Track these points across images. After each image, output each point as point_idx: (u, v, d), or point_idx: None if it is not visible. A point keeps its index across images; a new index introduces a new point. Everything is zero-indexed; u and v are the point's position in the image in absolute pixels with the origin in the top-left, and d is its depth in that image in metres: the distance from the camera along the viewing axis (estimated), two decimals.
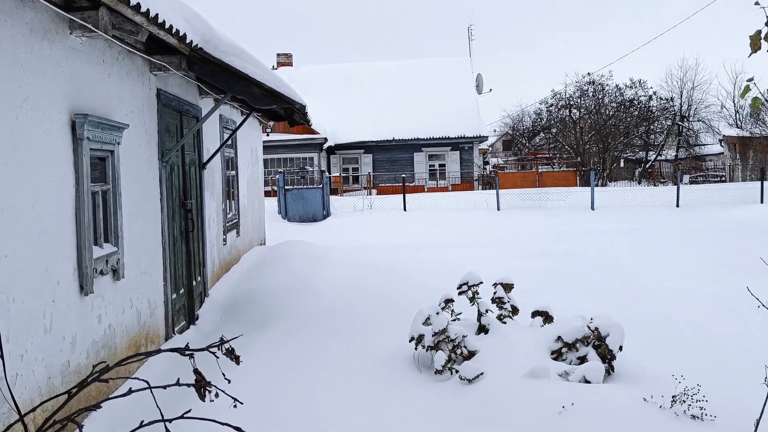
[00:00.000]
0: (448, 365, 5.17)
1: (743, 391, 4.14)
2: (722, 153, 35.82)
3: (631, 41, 75.18)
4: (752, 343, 5.01)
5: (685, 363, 5.14)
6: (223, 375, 2.47)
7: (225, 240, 9.54)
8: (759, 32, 1.92)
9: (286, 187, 20.75)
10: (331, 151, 32.61)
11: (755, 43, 1.93)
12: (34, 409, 2.28)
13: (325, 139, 30.81)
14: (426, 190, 30.75)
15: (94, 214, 4.56)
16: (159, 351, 2.33)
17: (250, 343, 6.10)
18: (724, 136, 32.95)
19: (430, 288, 8.21)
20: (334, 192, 28.15)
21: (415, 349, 5.54)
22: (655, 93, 38.18)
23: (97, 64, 4.68)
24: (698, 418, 3.79)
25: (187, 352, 2.32)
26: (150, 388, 2.28)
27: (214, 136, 8.75)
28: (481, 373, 4.87)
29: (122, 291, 5.10)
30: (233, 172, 10.36)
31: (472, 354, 5.27)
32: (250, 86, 5.98)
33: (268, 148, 24.62)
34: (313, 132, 29.26)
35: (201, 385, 2.19)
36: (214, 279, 8.73)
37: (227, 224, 9.74)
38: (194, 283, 7.49)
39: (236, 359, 2.45)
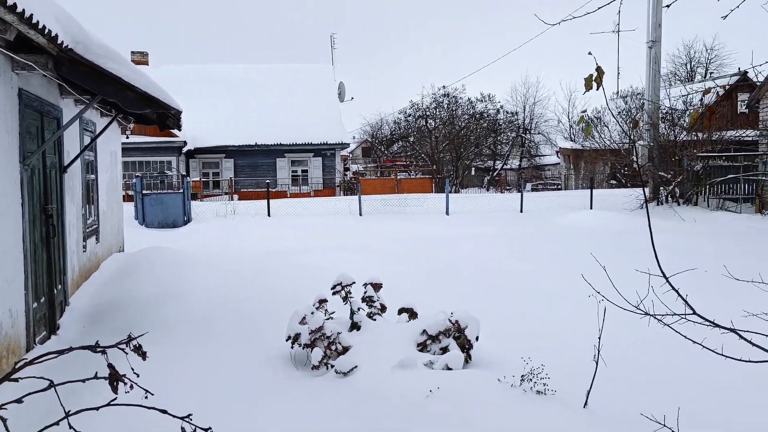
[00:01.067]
0: (324, 361, 5.50)
1: (578, 368, 4.89)
2: (559, 163, 39.53)
3: (483, 57, 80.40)
4: (585, 327, 5.83)
5: (531, 348, 5.88)
6: (132, 370, 2.62)
7: (85, 247, 9.15)
8: (591, 76, 2.47)
9: (144, 192, 19.94)
10: (190, 155, 31.66)
11: (588, 84, 2.48)
12: None
13: (185, 143, 29.88)
14: (289, 195, 30.85)
15: None
16: (71, 349, 2.45)
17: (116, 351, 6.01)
18: (560, 148, 36.42)
19: (302, 291, 8.48)
20: (193, 197, 27.35)
21: (292, 347, 5.82)
22: (502, 107, 41.29)
23: None
24: (542, 393, 4.44)
25: (98, 349, 2.48)
26: (55, 385, 2.39)
27: (74, 139, 8.40)
28: (355, 366, 5.26)
29: None
30: (93, 176, 9.95)
31: (346, 349, 5.64)
32: (123, 90, 5.92)
33: (124, 150, 23.42)
34: (172, 135, 28.27)
35: (116, 378, 2.35)
36: (74, 287, 8.37)
37: (87, 230, 9.35)
38: (55, 291, 7.18)
39: (143, 355, 2.64)
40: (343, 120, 35.46)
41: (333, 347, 5.64)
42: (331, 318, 6.31)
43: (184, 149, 30.22)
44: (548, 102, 67.04)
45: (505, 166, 43.17)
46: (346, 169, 41.53)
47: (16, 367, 2.21)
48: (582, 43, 40.70)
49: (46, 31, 4.72)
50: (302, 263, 11.67)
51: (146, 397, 2.46)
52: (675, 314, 2.43)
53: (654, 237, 2.81)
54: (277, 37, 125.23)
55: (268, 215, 20.82)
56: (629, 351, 5.64)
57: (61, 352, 2.43)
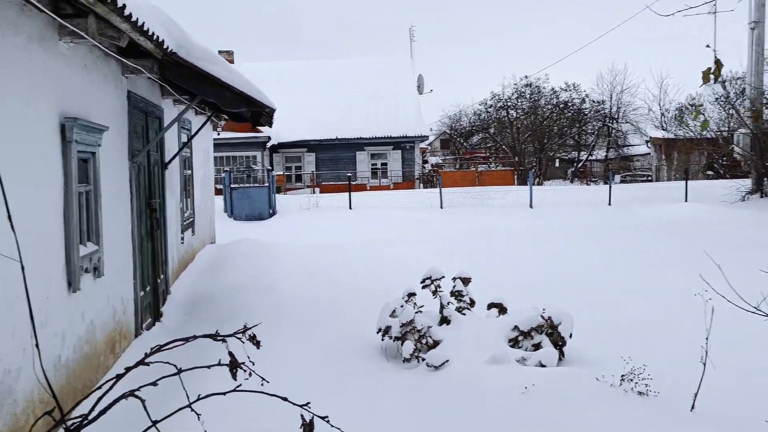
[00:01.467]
0: (415, 354, 5.56)
1: (682, 370, 4.70)
2: (649, 154, 37.86)
3: (567, 46, 78.13)
4: (688, 327, 5.59)
5: (627, 347, 5.69)
6: (248, 358, 2.75)
7: (182, 239, 9.63)
8: (709, 69, 2.38)
9: (233, 186, 20.70)
10: (274, 149, 32.55)
11: (706, 77, 2.39)
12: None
13: (268, 138, 30.76)
14: (368, 188, 31.15)
15: (79, 213, 4.70)
16: (195, 337, 2.60)
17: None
18: (650, 137, 34.85)
19: (387, 283, 8.59)
20: (277, 190, 28.15)
21: (382, 340, 5.90)
22: (587, 95, 39.95)
23: (81, 68, 4.81)
24: (644, 394, 4.31)
25: (219, 338, 2.61)
26: (180, 371, 2.55)
27: (173, 136, 8.84)
28: (447, 360, 5.28)
29: (102, 288, 5.24)
30: (189, 172, 10.43)
31: (436, 343, 5.67)
32: (222, 90, 6.17)
33: (213, 146, 24.40)
34: (257, 130, 29.16)
35: (235, 365, 2.48)
36: (174, 277, 8.83)
37: (184, 223, 9.82)
38: (159, 281, 7.61)
39: (257, 344, 2.76)
40: (422, 112, 35.45)
41: (423, 341, 5.68)
42: (420, 311, 6.35)
43: (268, 144, 31.12)
44: (637, 89, 64.15)
45: (590, 157, 41.81)
46: (425, 162, 41.50)
47: (150, 351, 2.38)
48: (674, 25, 38.66)
49: (155, 37, 4.99)
50: (386, 256, 11.79)
51: (262, 385, 2.59)
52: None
53: (758, 231, 2.65)
54: (355, 33, 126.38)
55: (350, 208, 21.13)
56: (739, 352, 5.36)
57: (186, 340, 2.58)
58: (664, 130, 33.17)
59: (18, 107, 3.63)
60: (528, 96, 38.99)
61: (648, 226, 14.71)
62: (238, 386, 2.35)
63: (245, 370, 2.47)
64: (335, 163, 33.39)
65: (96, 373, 5.01)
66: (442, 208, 20.71)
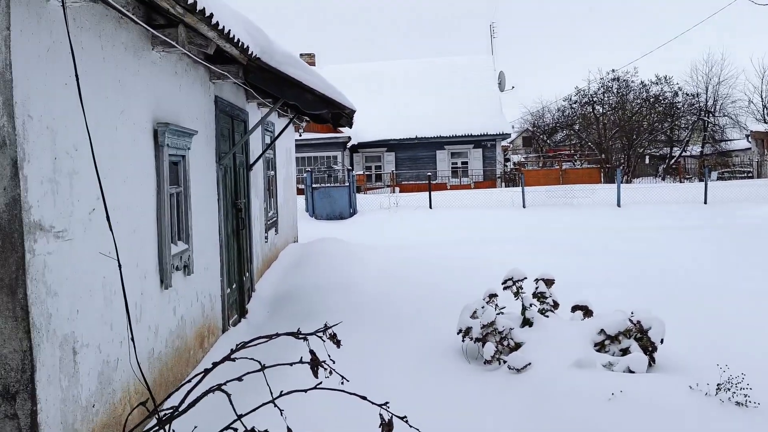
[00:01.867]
0: (497, 356, 5.47)
1: None
2: (749, 149, 35.55)
3: (656, 38, 74.55)
4: None
5: (726, 354, 5.37)
6: (329, 356, 2.80)
7: (266, 238, 9.92)
8: None
9: (314, 186, 21.14)
10: (354, 149, 32.97)
11: None
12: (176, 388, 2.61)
13: (349, 138, 31.19)
14: (449, 187, 30.97)
15: (170, 214, 4.93)
16: (278, 335, 2.67)
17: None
18: (751, 131, 32.71)
19: (467, 283, 8.51)
20: (357, 190, 28.52)
21: (463, 341, 5.85)
22: (680, 89, 38.00)
23: (172, 75, 5.04)
24: (743, 405, 4.04)
25: (300, 336, 2.67)
26: (264, 368, 2.62)
27: (257, 138, 9.13)
28: (529, 363, 5.16)
29: (191, 285, 5.48)
30: (272, 172, 10.73)
31: (518, 345, 5.56)
32: (303, 93, 6.31)
33: (295, 147, 25.02)
34: (337, 131, 29.65)
35: (316, 363, 2.52)
36: (258, 275, 9.11)
37: (268, 222, 10.11)
38: (244, 278, 7.87)
39: (338, 343, 2.80)
40: (504, 110, 34.88)
41: (505, 343, 5.58)
42: (502, 313, 6.24)
43: (349, 144, 31.56)
44: (736, 81, 60.19)
45: (683, 153, 39.73)
46: (507, 160, 40.78)
47: (236, 347, 2.46)
48: None
49: (240, 43, 5.16)
50: (466, 256, 11.68)
51: (342, 383, 2.62)
52: None
53: None
54: (436, 31, 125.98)
55: (430, 207, 21.09)
56: None
57: (269, 337, 2.66)
58: (766, 123, 31.05)
59: (114, 114, 3.84)
60: (615, 90, 37.54)
61: (747, 225, 13.82)
62: (318, 384, 2.39)
63: (326, 368, 2.51)
64: (415, 162, 33.42)
65: (186, 367, 5.24)
66: (524, 207, 20.31)
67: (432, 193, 22.07)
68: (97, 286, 3.56)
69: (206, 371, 2.56)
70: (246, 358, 2.60)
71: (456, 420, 4.31)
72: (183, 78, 5.34)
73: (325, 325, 2.79)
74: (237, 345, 2.45)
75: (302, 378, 2.76)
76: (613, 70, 37.75)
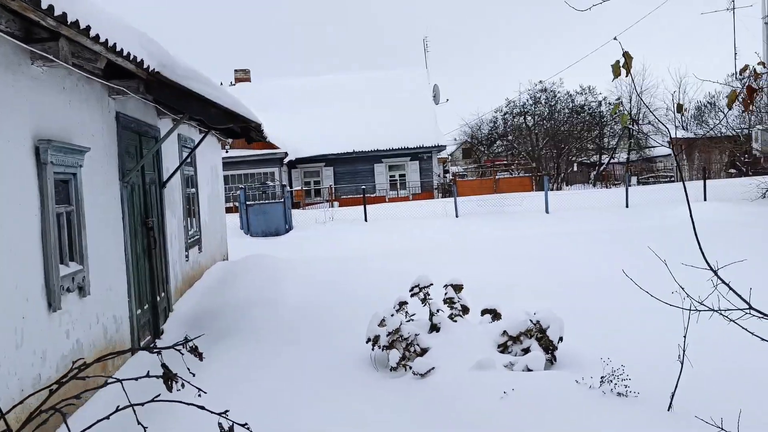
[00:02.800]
0: (402, 362, 5.52)
1: (664, 370, 4.58)
2: (670, 154, 37.21)
3: (580, 49, 77.36)
4: (677, 329, 5.46)
5: (621, 350, 5.58)
6: (188, 369, 2.78)
7: (187, 256, 9.73)
8: (618, 62, 2.33)
9: (248, 203, 20.90)
10: (292, 165, 32.81)
11: (616, 71, 2.34)
12: (13, 407, 2.53)
13: (286, 154, 31.03)
14: (387, 200, 31.18)
15: (59, 234, 4.79)
16: (133, 349, 2.63)
17: (214, 351, 6.34)
18: (671, 137, 34.28)
19: (391, 293, 8.57)
20: (296, 206, 28.33)
21: (372, 349, 5.88)
22: (605, 98, 39.52)
23: (58, 91, 4.92)
24: (623, 395, 4.21)
25: (155, 350, 2.63)
26: (122, 380, 2.58)
27: (173, 156, 8.97)
28: (433, 368, 5.23)
29: (88, 307, 5.32)
30: (193, 190, 10.56)
31: (424, 351, 5.63)
32: (207, 107, 6.26)
33: (228, 164, 24.71)
34: (273, 147, 29.47)
35: (168, 377, 2.49)
36: (177, 294, 8.92)
37: (189, 241, 9.93)
38: (158, 298, 7.69)
39: (199, 356, 2.77)
40: (440, 122, 35.45)
41: (411, 349, 5.64)
42: (412, 320, 6.32)
43: (286, 160, 31.38)
44: (656, 90, 63.07)
45: (612, 160, 41.25)
46: (446, 172, 41.40)
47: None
48: (693, 25, 38.09)
49: (131, 57, 5.09)
50: (394, 267, 11.75)
51: (199, 395, 2.59)
52: (737, 309, 2.23)
53: None
54: (370, 46, 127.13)
55: (365, 220, 21.16)
56: (717, 352, 5.22)
57: (121, 353, 2.62)
58: (684, 129, 32.65)
59: None
60: (543, 101, 38.72)
61: (662, 226, 14.43)
62: (156, 397, 2.36)
63: (177, 382, 2.48)
64: (353, 177, 33.50)
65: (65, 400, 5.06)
66: (457, 216, 20.63)
67: (370, 206, 22.16)
68: None
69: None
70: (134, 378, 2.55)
71: (353, 428, 4.32)
72: (73, 94, 5.22)
73: (185, 338, 2.76)
74: (74, 363, 2.40)
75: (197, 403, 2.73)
76: (540, 81, 38.97)
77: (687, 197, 2.69)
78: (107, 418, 2.30)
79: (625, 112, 2.46)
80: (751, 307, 2.14)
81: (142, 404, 2.31)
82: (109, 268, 5.95)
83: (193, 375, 2.67)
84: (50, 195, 4.53)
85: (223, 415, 2.19)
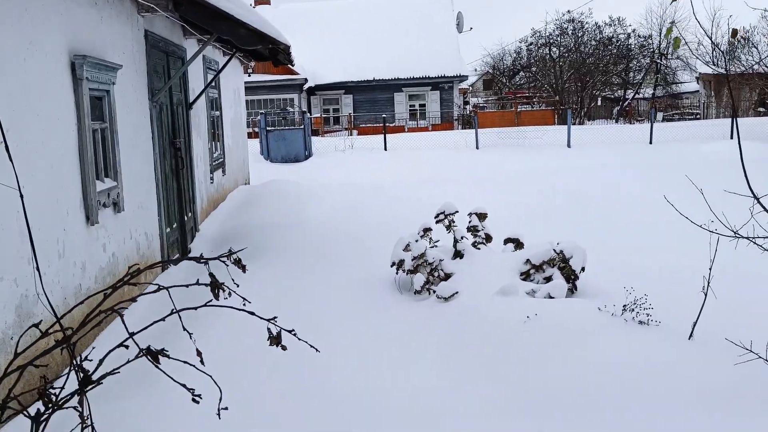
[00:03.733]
0: (426, 286, 5.66)
1: (688, 301, 4.66)
2: (698, 91, 36.25)
3: None
4: (705, 261, 5.52)
5: (646, 281, 5.65)
6: (232, 280, 2.89)
7: (212, 178, 9.85)
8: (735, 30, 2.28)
9: (268, 129, 20.87)
10: (312, 92, 32.46)
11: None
12: (70, 310, 2.68)
13: (305, 80, 30.64)
14: (406, 130, 30.92)
15: (95, 150, 4.87)
16: (180, 258, 2.73)
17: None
18: (700, 73, 33.30)
19: (411, 221, 8.66)
20: (315, 133, 28.21)
21: (396, 273, 6.02)
22: (634, 31, 38.19)
23: (91, 6, 4.88)
24: (645, 323, 4.32)
25: (202, 260, 2.74)
26: (170, 287, 2.70)
27: (198, 77, 8.93)
28: (456, 292, 5.36)
29: (123, 223, 5.47)
30: (218, 113, 10.56)
31: (448, 276, 5.76)
32: (236, 27, 6.19)
33: (248, 89, 24.46)
34: (293, 72, 29.08)
35: (216, 285, 2.61)
36: (203, 215, 9.10)
37: (214, 163, 10.03)
38: (186, 218, 7.85)
39: (243, 267, 2.87)
40: (462, 51, 34.54)
41: (435, 274, 5.77)
42: (436, 246, 6.42)
43: (306, 86, 31.02)
44: (688, 23, 60.67)
45: (637, 96, 40.28)
46: (466, 103, 40.74)
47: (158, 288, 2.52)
48: None
49: None
50: (415, 195, 11.83)
51: (244, 304, 2.72)
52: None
53: None
54: None
55: (385, 149, 21.11)
56: (743, 284, 5.29)
57: (175, 262, 2.73)
58: (714, 65, 31.62)
59: (21, 44, 3.74)
60: (570, 32, 37.52)
61: (685, 163, 14.25)
62: (209, 302, 2.48)
63: (224, 290, 2.60)
64: (373, 105, 33.13)
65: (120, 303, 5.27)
66: (477, 148, 20.49)
67: (388, 135, 22.03)
68: (10, 220, 3.54)
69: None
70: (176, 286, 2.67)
71: (380, 344, 4.50)
72: (104, 10, 5.18)
73: (230, 250, 2.86)
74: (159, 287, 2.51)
75: (234, 313, 2.86)
76: (568, 11, 37.65)
77: (736, 124, 2.67)
78: (163, 320, 2.42)
79: (679, 35, 2.41)
80: None
81: (196, 308, 2.44)
82: (141, 186, 6.07)
83: (237, 285, 2.78)
84: (86, 111, 4.59)
85: (272, 321, 2.31)
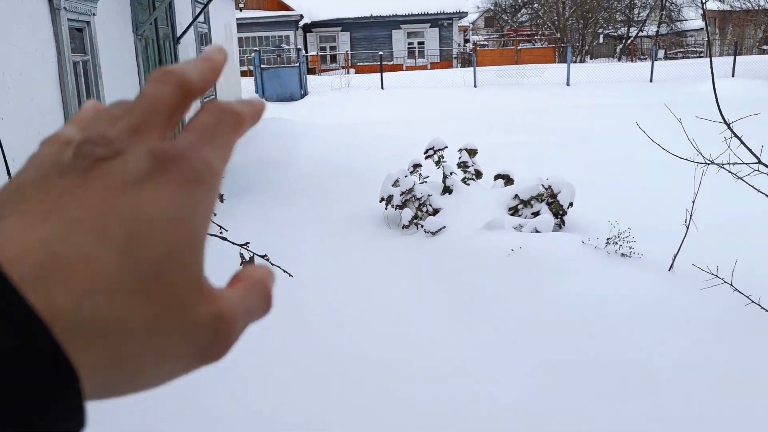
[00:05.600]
0: (414, 221, 5.70)
1: (670, 234, 4.70)
2: (702, 29, 35.44)
3: None
4: (688, 195, 5.55)
5: (631, 216, 5.68)
6: (214, 214, 2.91)
7: None
8: None
9: (263, 66, 20.52)
10: (308, 29, 31.73)
11: None
12: None
13: (301, 16, 29.90)
14: (405, 68, 30.40)
15: (77, 82, 4.80)
16: None
17: (235, 203, 6.56)
18: (705, 10, 32.49)
19: (404, 158, 8.65)
20: (311, 72, 27.76)
21: (385, 208, 6.05)
22: None
23: None
24: (627, 255, 4.37)
25: None
26: None
27: (186, 10, 8.72)
28: (444, 227, 5.40)
29: None
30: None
31: (436, 211, 5.79)
32: None
33: (241, 26, 23.95)
34: (288, 8, 28.38)
35: None
36: None
37: (204, 100, 9.89)
38: None
39: (220, 197, 2.89)
40: None
41: (424, 209, 5.79)
42: (425, 182, 6.42)
43: (301, 23, 30.31)
44: None
45: (640, 33, 39.37)
46: (467, 41, 39.92)
47: None
48: None
49: None
50: (408, 133, 11.76)
51: (221, 232, 2.74)
52: (744, 163, 2.25)
53: None
54: None
55: (381, 88, 20.83)
56: (724, 215, 5.33)
57: None
58: (720, 1, 30.83)
59: None
60: None
61: (683, 101, 14.09)
62: None
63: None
64: (371, 43, 32.44)
65: None
66: (475, 87, 20.20)
67: (387, 73, 21.70)
68: None
69: None
70: None
71: (365, 274, 4.57)
72: None
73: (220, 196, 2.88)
74: None
75: (213, 243, 2.89)
76: None
77: (713, 76, 2.62)
78: None
79: None
80: (760, 161, 2.17)
81: None
82: None
83: (215, 214, 2.81)
84: (66, 42, 4.50)
85: (244, 247, 2.34)
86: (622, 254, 4.36)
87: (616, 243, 4.43)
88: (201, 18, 9.32)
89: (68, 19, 4.59)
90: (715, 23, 30.78)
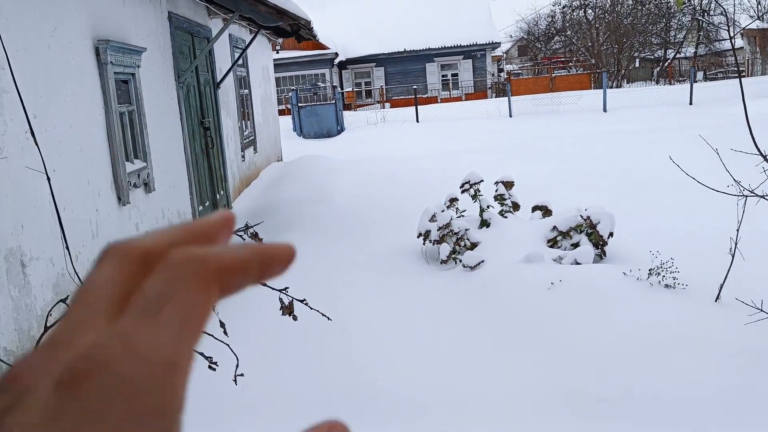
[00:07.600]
0: (452, 255, 5.69)
1: (715, 264, 4.59)
2: (742, 47, 34.81)
3: None
4: (731, 223, 5.41)
5: (674, 245, 5.57)
6: None
7: (243, 156, 10.00)
8: None
9: (300, 104, 20.96)
10: (343, 66, 32.37)
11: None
12: None
13: (336, 54, 30.56)
14: (439, 100, 30.64)
15: (123, 132, 5.01)
16: None
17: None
18: (744, 29, 31.95)
19: (440, 191, 8.69)
20: (347, 107, 28.23)
21: (423, 243, 6.07)
22: None
23: None
24: (671, 287, 4.27)
25: None
26: None
27: (225, 57, 9.03)
28: (482, 261, 5.38)
29: (154, 202, 5.63)
30: (246, 91, 10.67)
31: (474, 245, 5.77)
32: (256, 4, 6.23)
33: (279, 66, 24.59)
34: (323, 47, 29.03)
35: None
36: (236, 193, 9.27)
37: (244, 141, 10.17)
38: (218, 196, 8.03)
39: (259, 241, 2.96)
40: (495, 18, 33.92)
41: (462, 243, 5.79)
42: (462, 216, 6.43)
43: (336, 60, 30.95)
44: None
45: (677, 55, 38.89)
46: (500, 70, 40.08)
47: None
48: None
49: None
50: (444, 165, 11.79)
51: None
52: None
53: None
54: None
55: (417, 121, 21.01)
56: None
57: None
58: (759, 20, 30.29)
59: (45, 32, 3.86)
60: None
61: (726, 124, 13.82)
62: None
63: None
64: (405, 77, 32.86)
65: None
66: (511, 116, 20.21)
67: (421, 107, 21.93)
68: (44, 203, 3.70)
69: None
70: None
71: (404, 310, 4.57)
72: None
73: (246, 224, 2.95)
74: None
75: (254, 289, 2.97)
76: None
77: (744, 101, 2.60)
78: None
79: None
80: None
81: None
82: (171, 165, 6.22)
83: None
84: (112, 94, 4.71)
85: (283, 292, 2.39)
86: (666, 285, 4.27)
87: (659, 273, 4.34)
88: (239, 62, 9.63)
89: (114, 72, 4.81)
90: (755, 42, 30.22)
